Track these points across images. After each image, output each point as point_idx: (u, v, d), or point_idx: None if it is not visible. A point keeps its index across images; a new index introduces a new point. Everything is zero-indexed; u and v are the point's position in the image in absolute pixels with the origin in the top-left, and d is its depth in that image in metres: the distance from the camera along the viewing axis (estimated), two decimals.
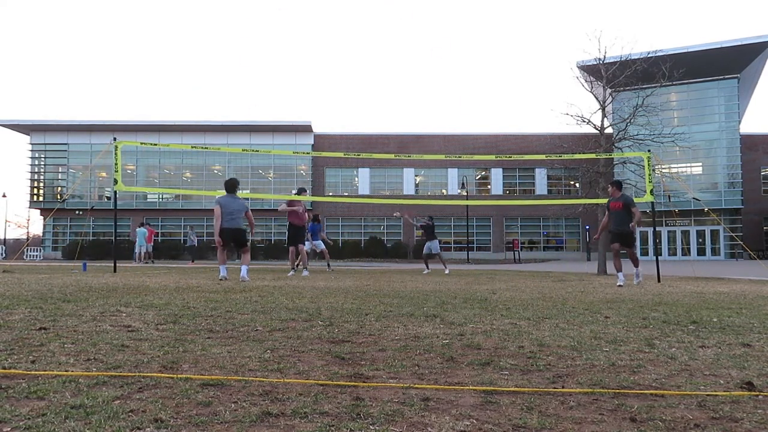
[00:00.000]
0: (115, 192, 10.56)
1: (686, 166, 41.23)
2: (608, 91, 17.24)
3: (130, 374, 2.07)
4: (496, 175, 43.90)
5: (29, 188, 43.85)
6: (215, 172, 44.50)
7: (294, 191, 13.06)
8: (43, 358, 2.36)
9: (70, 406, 1.65)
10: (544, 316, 4.08)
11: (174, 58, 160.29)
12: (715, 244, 40.56)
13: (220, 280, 8.54)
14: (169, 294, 5.68)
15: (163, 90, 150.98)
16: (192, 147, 12.04)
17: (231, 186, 9.17)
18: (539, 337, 3.11)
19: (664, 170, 30.03)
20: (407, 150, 41.51)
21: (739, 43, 35.89)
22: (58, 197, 42.69)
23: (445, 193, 44.23)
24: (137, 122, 42.38)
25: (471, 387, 1.98)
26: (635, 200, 9.65)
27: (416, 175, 44.39)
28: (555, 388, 2.00)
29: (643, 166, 11.37)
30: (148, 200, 44.26)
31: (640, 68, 17.17)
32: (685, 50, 35.45)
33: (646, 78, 18.57)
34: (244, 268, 8.89)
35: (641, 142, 17.42)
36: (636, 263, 9.13)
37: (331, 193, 42.01)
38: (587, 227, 39.82)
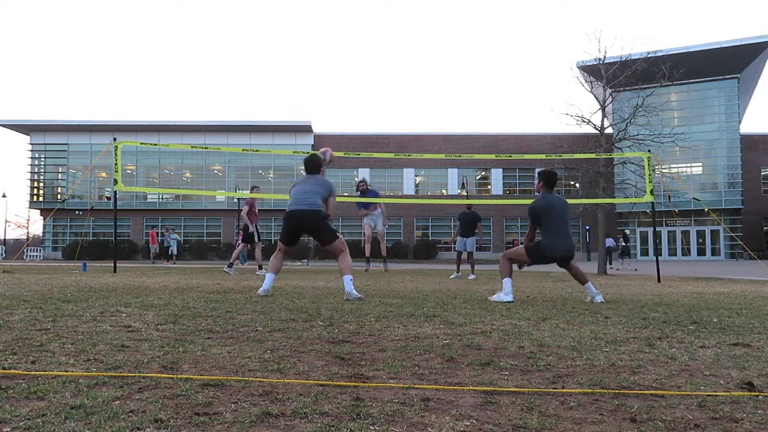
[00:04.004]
0: (115, 192, 10.56)
1: (686, 166, 41.27)
2: (608, 91, 17.25)
3: (130, 374, 2.07)
4: (496, 175, 43.92)
5: (29, 188, 43.88)
6: (215, 172, 44.52)
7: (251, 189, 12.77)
8: (43, 358, 2.36)
9: (70, 407, 1.65)
10: (544, 316, 4.08)
11: (174, 58, 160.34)
12: (715, 244, 40.57)
13: (261, 295, 5.52)
14: (169, 294, 5.68)
15: (163, 90, 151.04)
16: (192, 147, 12.03)
17: (310, 164, 6.45)
18: (539, 337, 3.11)
19: (664, 170, 30.04)
20: (407, 150, 41.53)
21: (739, 43, 35.93)
22: (58, 197, 42.69)
23: (445, 193, 44.25)
24: (137, 122, 42.42)
25: (471, 387, 1.98)
26: (635, 200, 8.43)
27: (416, 175, 44.41)
28: (555, 388, 2.00)
29: (643, 166, 11.37)
30: (148, 200, 44.28)
31: (640, 68, 17.18)
32: (685, 50, 35.48)
33: (646, 78, 18.58)
34: (347, 279, 5.46)
35: (641, 142, 17.43)
36: (576, 278, 5.77)
37: None
38: (587, 227, 39.81)
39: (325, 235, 5.72)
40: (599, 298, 5.44)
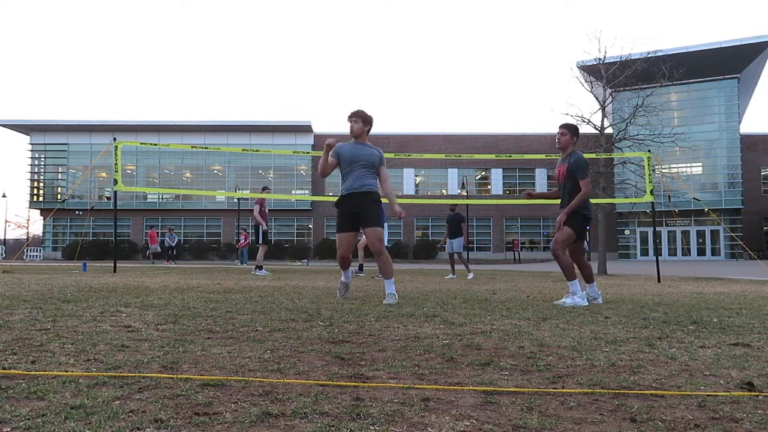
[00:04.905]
0: (115, 192, 10.56)
1: (686, 166, 41.25)
2: (608, 91, 17.26)
3: (130, 374, 2.07)
4: (496, 175, 43.91)
5: (29, 188, 43.88)
6: (215, 172, 44.52)
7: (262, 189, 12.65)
8: (43, 358, 2.36)
9: (70, 407, 1.65)
10: (544, 317, 4.08)
11: (174, 57, 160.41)
12: (715, 244, 40.56)
13: (342, 295, 5.39)
14: (169, 294, 5.68)
15: (163, 90, 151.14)
16: (192, 147, 11.99)
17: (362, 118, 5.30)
18: (539, 337, 3.11)
19: (664, 170, 30.04)
20: (407, 150, 41.51)
21: (739, 43, 35.92)
22: (58, 197, 42.68)
23: (445, 193, 44.25)
24: (137, 122, 42.42)
25: (471, 387, 1.98)
26: (635, 200, 7.94)
27: (416, 175, 44.41)
28: (555, 388, 2.00)
29: (643, 166, 11.37)
30: (148, 200, 44.28)
31: (640, 68, 17.20)
32: (685, 50, 35.48)
33: (646, 78, 18.59)
34: (389, 284, 5.08)
35: (641, 142, 17.44)
36: (585, 275, 5.48)
37: (331, 193, 42.01)
38: (587, 227, 39.76)
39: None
40: (599, 300, 5.35)
